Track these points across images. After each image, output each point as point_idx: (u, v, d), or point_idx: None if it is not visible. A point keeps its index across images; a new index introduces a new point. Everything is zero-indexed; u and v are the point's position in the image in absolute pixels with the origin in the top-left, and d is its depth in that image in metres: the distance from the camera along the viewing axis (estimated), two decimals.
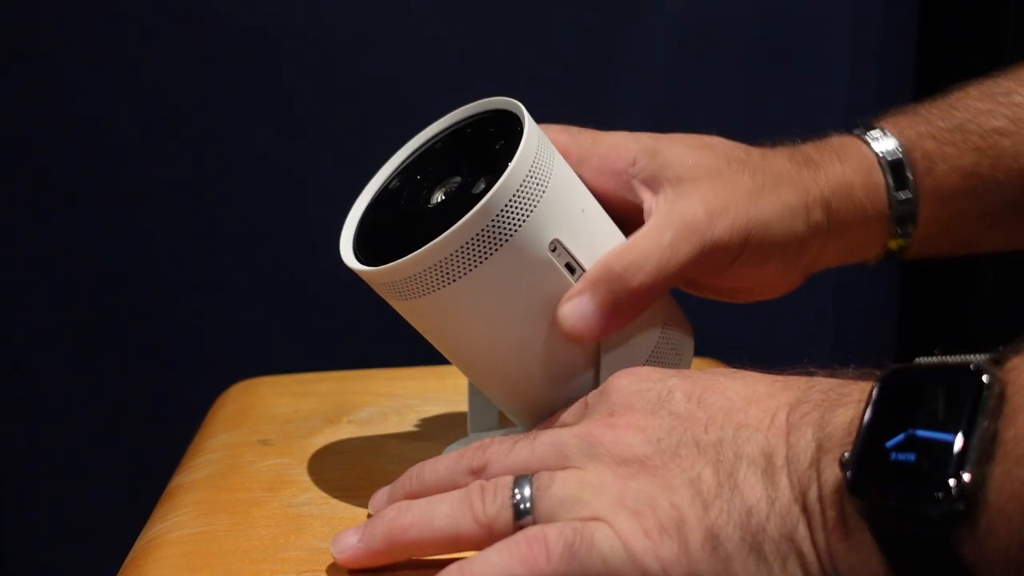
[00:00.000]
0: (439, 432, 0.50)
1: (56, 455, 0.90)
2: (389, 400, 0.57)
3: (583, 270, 0.38)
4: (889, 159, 0.43)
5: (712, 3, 0.96)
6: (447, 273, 0.36)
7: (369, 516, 0.37)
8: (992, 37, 0.91)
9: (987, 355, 0.25)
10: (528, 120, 0.38)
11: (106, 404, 0.90)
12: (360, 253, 0.40)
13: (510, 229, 0.36)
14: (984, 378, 0.24)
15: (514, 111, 0.39)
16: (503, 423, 0.50)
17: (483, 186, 0.37)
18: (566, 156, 0.42)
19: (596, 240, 0.40)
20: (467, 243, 0.36)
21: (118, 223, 0.88)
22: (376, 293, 0.40)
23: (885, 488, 0.24)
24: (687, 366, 0.44)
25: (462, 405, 0.55)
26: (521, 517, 0.30)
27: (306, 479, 0.43)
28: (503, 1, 0.92)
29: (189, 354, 0.91)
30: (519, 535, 0.29)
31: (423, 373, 0.64)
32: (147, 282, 0.90)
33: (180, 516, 0.39)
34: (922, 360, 0.27)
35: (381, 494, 0.36)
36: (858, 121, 0.45)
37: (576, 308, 0.37)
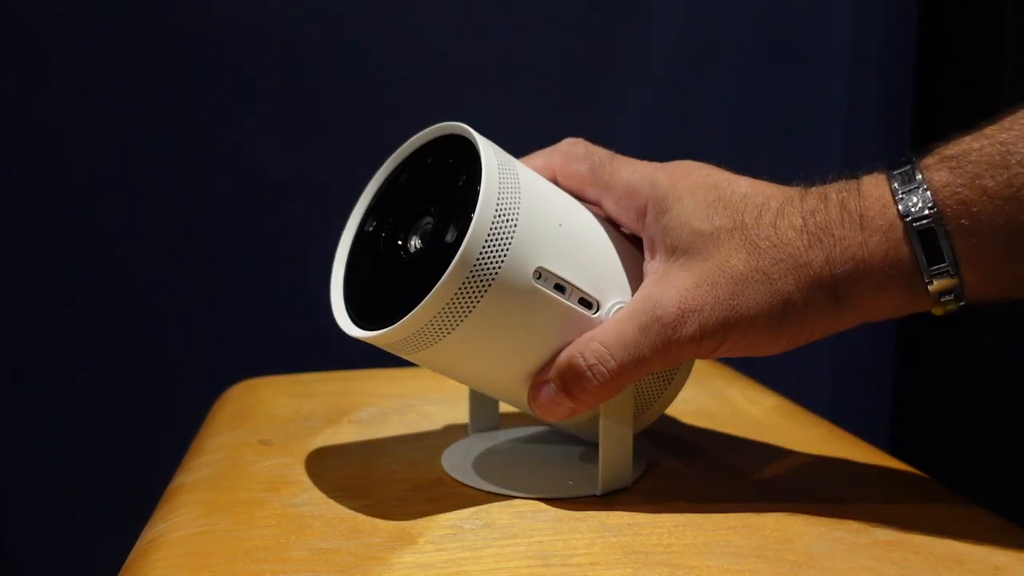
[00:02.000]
0: (439, 432, 0.51)
1: (57, 455, 0.90)
2: (389, 400, 0.57)
3: (573, 287, 0.39)
4: (918, 226, 0.36)
5: (713, 5, 0.96)
6: (442, 327, 0.37)
7: None
8: (992, 38, 0.92)
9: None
10: (484, 153, 0.37)
11: (107, 404, 0.90)
12: (353, 311, 0.40)
13: (491, 273, 0.36)
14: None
15: (467, 137, 0.39)
16: (503, 423, 0.51)
17: (455, 233, 0.37)
18: (584, 188, 0.42)
19: (579, 252, 0.40)
20: (453, 298, 0.36)
21: (118, 223, 0.88)
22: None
23: None
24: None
25: (462, 405, 0.55)
26: None
27: (307, 479, 0.43)
28: (506, 2, 0.92)
29: (190, 354, 0.91)
30: None
31: (423, 373, 0.64)
32: (148, 282, 0.90)
33: (181, 516, 0.39)
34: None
35: None
36: (904, 155, 0.38)
37: (546, 396, 0.39)
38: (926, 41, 1.00)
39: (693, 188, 0.39)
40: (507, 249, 0.36)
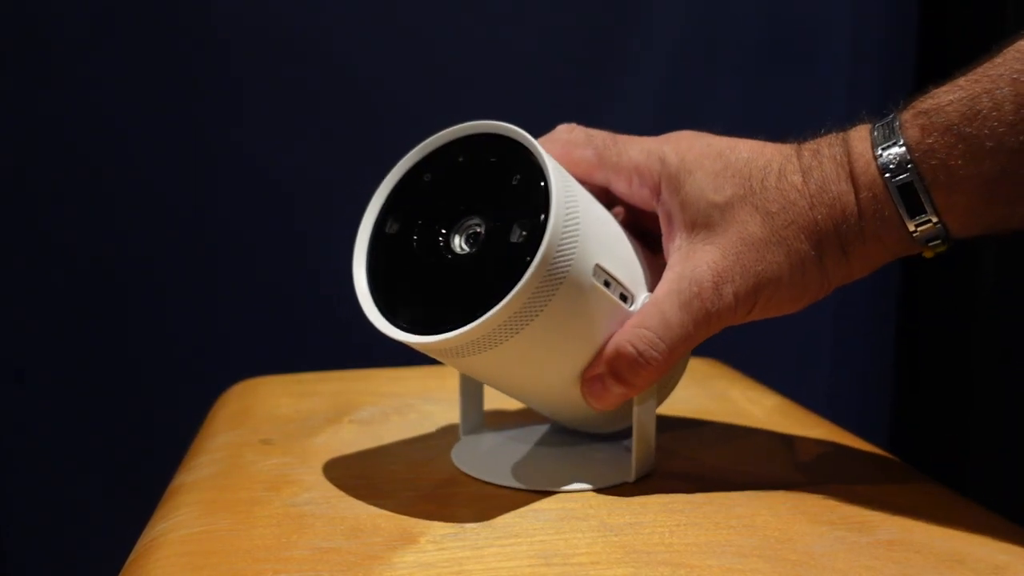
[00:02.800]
0: (440, 432, 0.51)
1: (57, 455, 0.90)
2: (390, 400, 0.57)
3: (617, 282, 0.39)
4: (897, 182, 0.37)
5: (713, 5, 0.96)
6: (510, 329, 0.36)
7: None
8: (992, 37, 0.91)
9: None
10: (540, 150, 0.37)
11: (107, 404, 0.90)
12: (389, 315, 0.38)
13: (563, 271, 0.36)
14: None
15: (514, 136, 0.38)
16: (488, 423, 0.51)
17: (521, 233, 0.36)
18: (591, 173, 0.43)
19: (619, 248, 0.41)
20: (529, 298, 0.35)
21: (118, 222, 0.88)
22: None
23: None
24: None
25: None
26: None
27: (308, 478, 0.43)
28: (506, 2, 0.92)
29: (190, 354, 0.91)
30: None
31: (424, 373, 0.64)
32: (148, 282, 0.90)
33: (182, 516, 0.39)
34: None
35: None
36: (885, 109, 0.39)
37: (601, 387, 0.41)
38: (926, 41, 1.00)
39: (700, 159, 0.41)
40: (575, 247, 0.36)
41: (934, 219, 0.37)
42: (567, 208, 0.36)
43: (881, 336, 1.05)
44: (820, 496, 0.41)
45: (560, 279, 0.36)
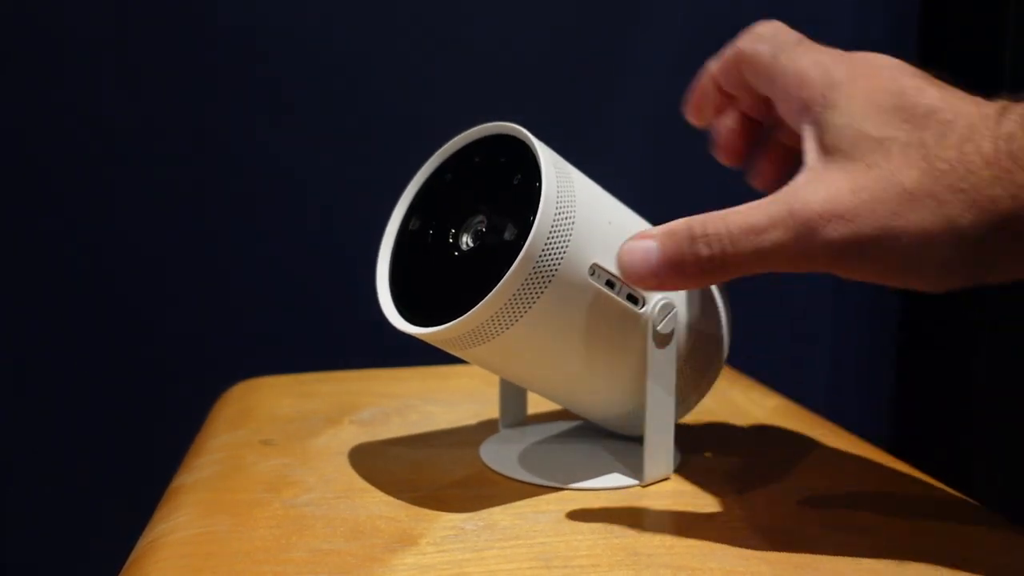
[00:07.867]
0: (441, 433, 0.51)
1: (57, 455, 0.90)
2: (391, 400, 0.57)
3: (622, 283, 0.39)
4: None
5: (713, 4, 0.96)
6: (501, 323, 0.37)
7: None
8: (992, 37, 0.91)
9: None
10: (540, 150, 0.38)
11: (107, 404, 0.90)
12: (402, 308, 0.40)
13: (551, 269, 0.37)
14: None
15: (520, 137, 0.39)
16: (532, 419, 0.51)
17: (514, 231, 0.37)
18: (757, 73, 0.39)
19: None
20: (515, 294, 0.36)
21: (119, 222, 0.88)
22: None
23: None
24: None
25: (464, 405, 0.55)
26: None
27: (308, 480, 0.43)
28: (505, 4, 0.92)
29: (190, 354, 0.91)
30: None
31: (425, 374, 0.64)
32: (148, 282, 0.90)
33: (182, 517, 0.39)
34: None
35: None
36: None
37: (639, 250, 0.36)
38: (926, 41, 1.00)
39: (872, 90, 0.34)
40: (566, 246, 0.37)
41: None
42: (558, 208, 0.37)
43: (881, 336, 1.05)
44: (822, 498, 0.41)
45: (548, 277, 0.37)
